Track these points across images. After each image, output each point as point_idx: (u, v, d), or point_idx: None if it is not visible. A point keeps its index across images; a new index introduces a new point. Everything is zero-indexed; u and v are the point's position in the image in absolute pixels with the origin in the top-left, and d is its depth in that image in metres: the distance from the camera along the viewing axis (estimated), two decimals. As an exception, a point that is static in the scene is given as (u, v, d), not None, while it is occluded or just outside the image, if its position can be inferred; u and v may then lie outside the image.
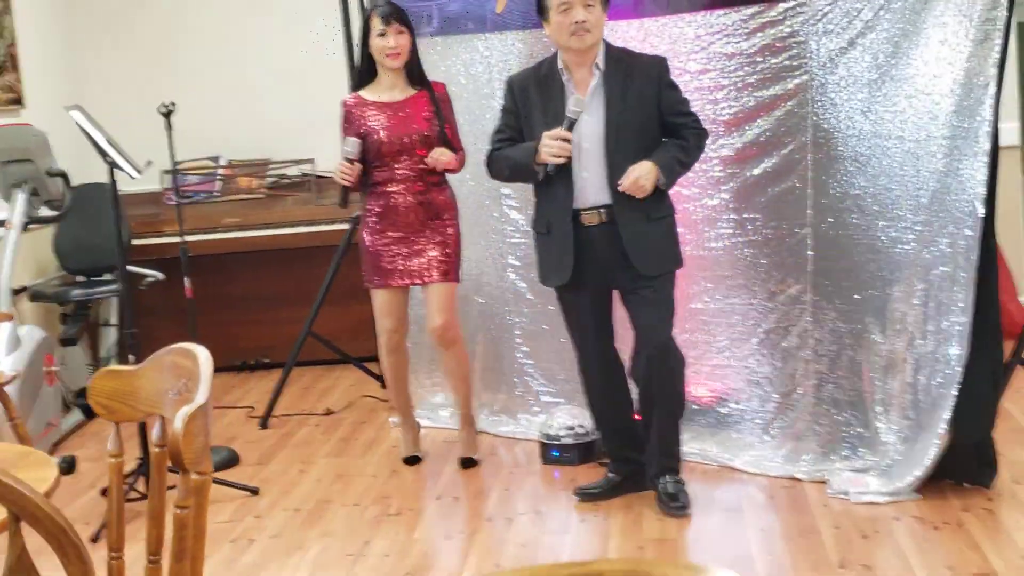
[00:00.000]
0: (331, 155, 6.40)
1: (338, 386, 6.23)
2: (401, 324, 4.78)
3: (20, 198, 5.36)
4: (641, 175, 3.95)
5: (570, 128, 3.98)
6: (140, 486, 4.48)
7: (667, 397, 4.12)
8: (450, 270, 4.64)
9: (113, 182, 4.52)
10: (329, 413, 5.74)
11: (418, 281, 4.66)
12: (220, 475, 4.75)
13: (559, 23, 3.99)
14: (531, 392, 5.19)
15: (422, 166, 4.59)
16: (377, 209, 4.68)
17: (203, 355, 2.02)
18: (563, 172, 4.07)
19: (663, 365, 4.08)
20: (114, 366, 2.20)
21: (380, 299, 4.74)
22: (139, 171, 4.55)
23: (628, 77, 4.01)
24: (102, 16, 6.98)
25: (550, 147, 3.99)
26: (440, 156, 4.54)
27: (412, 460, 4.87)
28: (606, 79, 4.03)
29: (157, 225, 6.64)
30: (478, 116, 5.08)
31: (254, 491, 4.62)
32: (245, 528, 4.26)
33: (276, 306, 6.61)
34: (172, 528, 1.92)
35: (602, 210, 4.06)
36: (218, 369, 5.84)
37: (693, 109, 4.14)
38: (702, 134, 4.09)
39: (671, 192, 4.15)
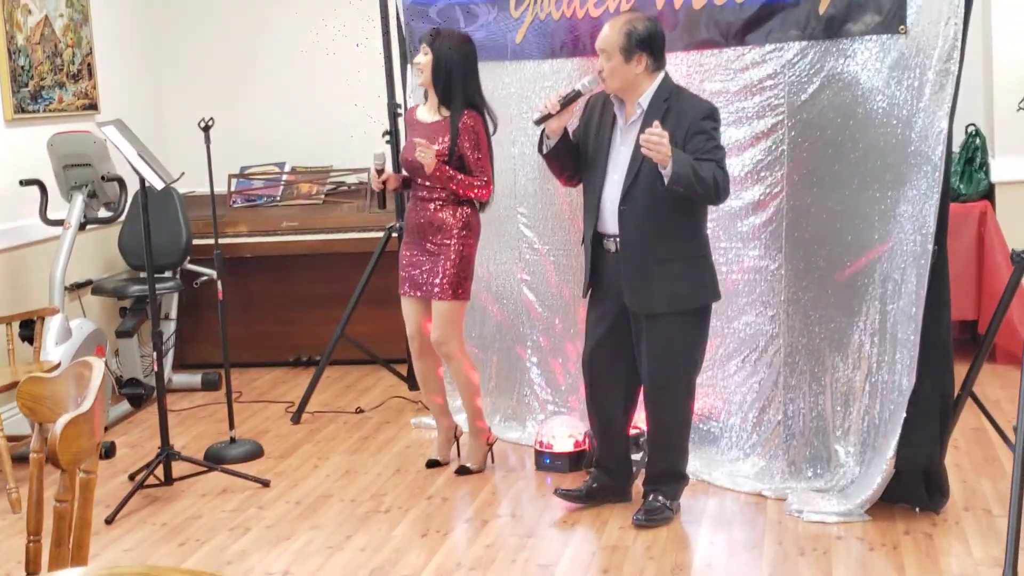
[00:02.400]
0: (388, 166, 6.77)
1: (376, 386, 6.58)
2: (420, 332, 5.01)
3: (78, 199, 5.83)
4: (664, 138, 3.98)
5: (568, 99, 4.26)
6: (159, 472, 4.93)
7: (658, 435, 4.40)
8: (447, 289, 4.86)
9: (143, 191, 4.93)
10: (359, 412, 6.10)
11: (424, 295, 4.93)
12: (239, 467, 5.15)
13: None
14: (538, 400, 5.48)
15: (429, 186, 4.86)
16: (406, 219, 5.03)
17: (96, 367, 2.35)
18: (595, 195, 4.35)
19: (654, 413, 4.37)
20: (38, 373, 2.54)
21: (402, 305, 5.06)
22: (166, 182, 4.93)
23: (665, 118, 4.15)
24: (178, 27, 7.46)
25: (546, 99, 4.33)
26: (421, 152, 4.72)
27: (432, 464, 5.12)
28: (646, 117, 4.21)
29: (220, 226, 7.04)
30: (501, 139, 5.35)
31: (265, 483, 4.99)
32: (246, 517, 4.64)
33: (328, 306, 6.94)
34: (53, 518, 2.25)
35: (617, 239, 4.31)
36: (271, 364, 6.34)
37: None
38: (720, 174, 4.10)
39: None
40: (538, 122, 4.33)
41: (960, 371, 4.29)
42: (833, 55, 4.36)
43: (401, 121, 5.67)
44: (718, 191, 4.11)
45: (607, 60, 4.20)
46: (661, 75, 4.25)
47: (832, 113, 4.38)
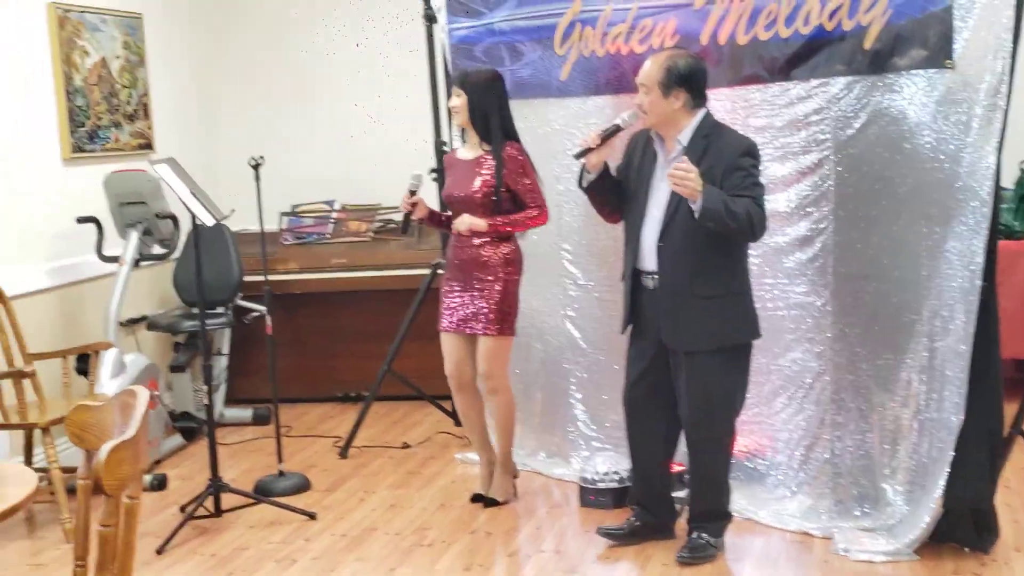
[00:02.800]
0: (434, 203, 6.83)
1: (423, 422, 6.60)
2: (459, 367, 5.09)
3: (133, 237, 5.92)
4: (691, 172, 3.99)
5: (608, 133, 4.30)
6: (208, 504, 4.98)
7: (699, 473, 4.39)
8: (492, 325, 4.92)
9: (195, 227, 5.01)
10: (406, 447, 6.13)
11: (469, 331, 4.98)
12: (286, 500, 5.19)
13: None
14: (583, 436, 5.47)
15: None
16: (448, 256, 5.08)
17: (141, 396, 2.40)
18: (635, 231, 4.37)
19: (695, 452, 4.38)
20: (87, 402, 2.59)
21: (442, 341, 5.10)
22: (217, 219, 5.00)
23: (704, 155, 4.18)
24: (230, 69, 7.57)
25: (587, 134, 4.37)
26: (459, 224, 4.90)
27: (477, 498, 5.16)
28: (686, 154, 4.21)
29: (272, 263, 7.13)
30: (546, 175, 5.37)
31: (311, 516, 5.03)
32: (292, 550, 4.67)
33: (377, 342, 6.94)
34: (97, 542, 2.29)
35: (655, 276, 4.32)
36: (320, 399, 6.37)
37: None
38: (755, 210, 4.08)
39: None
40: (578, 156, 4.37)
41: (1013, 409, 4.25)
42: (879, 90, 4.36)
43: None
44: (753, 227, 4.09)
45: (646, 94, 4.23)
46: (702, 112, 4.26)
47: (879, 148, 4.37)
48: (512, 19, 5.41)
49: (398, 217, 7.28)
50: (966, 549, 4.20)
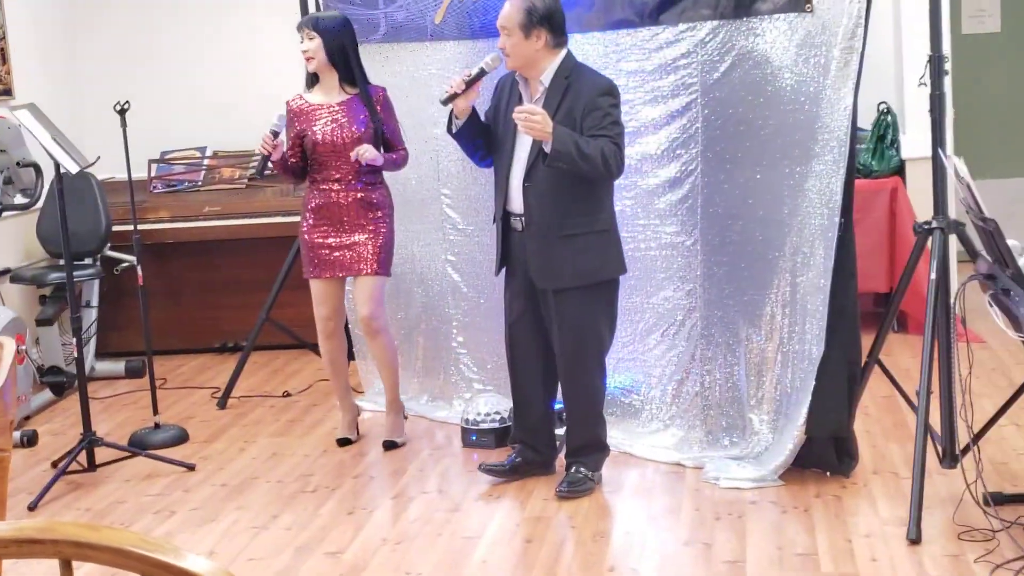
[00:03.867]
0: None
1: (303, 370, 6.60)
2: (335, 313, 5.13)
3: (-7, 187, 5.77)
4: (537, 114, 4.11)
5: (473, 78, 4.35)
6: (82, 459, 4.93)
7: (573, 408, 4.49)
8: (378, 264, 4.97)
9: (58, 175, 4.90)
10: (287, 395, 6.12)
11: (348, 273, 5.01)
12: (163, 452, 5.16)
13: None
14: (464, 379, 5.54)
15: (355, 165, 4.92)
16: (313, 204, 5.04)
17: (7, 347, 2.37)
18: (503, 174, 4.42)
19: (568, 387, 4.47)
20: (-45, 355, 2.54)
21: (315, 289, 5.11)
22: (81, 166, 4.90)
23: (565, 96, 4.26)
24: (96, 9, 7.38)
25: (451, 80, 4.41)
26: (364, 152, 4.85)
27: (344, 442, 5.23)
28: (548, 95, 4.30)
29: (141, 212, 7.00)
30: (423, 120, 5.41)
31: (190, 467, 5.01)
32: (170, 501, 4.66)
33: (254, 291, 6.90)
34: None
35: (522, 217, 4.38)
36: (197, 351, 6.27)
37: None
38: (611, 149, 4.15)
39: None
40: (445, 102, 4.41)
41: (870, 340, 4.43)
42: (743, 34, 4.46)
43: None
44: (608, 167, 4.17)
45: (508, 37, 4.28)
46: (563, 53, 4.33)
47: (743, 91, 4.49)
48: (386, -39, 5.39)
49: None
50: (828, 473, 4.40)
